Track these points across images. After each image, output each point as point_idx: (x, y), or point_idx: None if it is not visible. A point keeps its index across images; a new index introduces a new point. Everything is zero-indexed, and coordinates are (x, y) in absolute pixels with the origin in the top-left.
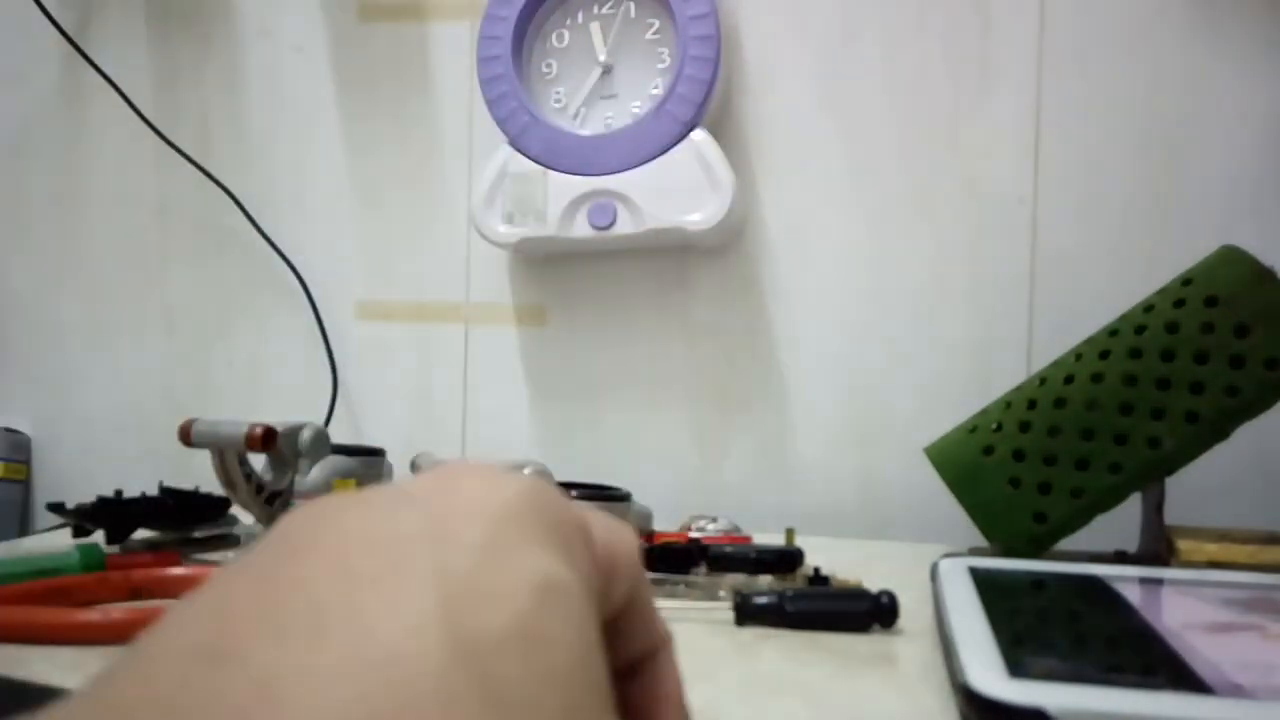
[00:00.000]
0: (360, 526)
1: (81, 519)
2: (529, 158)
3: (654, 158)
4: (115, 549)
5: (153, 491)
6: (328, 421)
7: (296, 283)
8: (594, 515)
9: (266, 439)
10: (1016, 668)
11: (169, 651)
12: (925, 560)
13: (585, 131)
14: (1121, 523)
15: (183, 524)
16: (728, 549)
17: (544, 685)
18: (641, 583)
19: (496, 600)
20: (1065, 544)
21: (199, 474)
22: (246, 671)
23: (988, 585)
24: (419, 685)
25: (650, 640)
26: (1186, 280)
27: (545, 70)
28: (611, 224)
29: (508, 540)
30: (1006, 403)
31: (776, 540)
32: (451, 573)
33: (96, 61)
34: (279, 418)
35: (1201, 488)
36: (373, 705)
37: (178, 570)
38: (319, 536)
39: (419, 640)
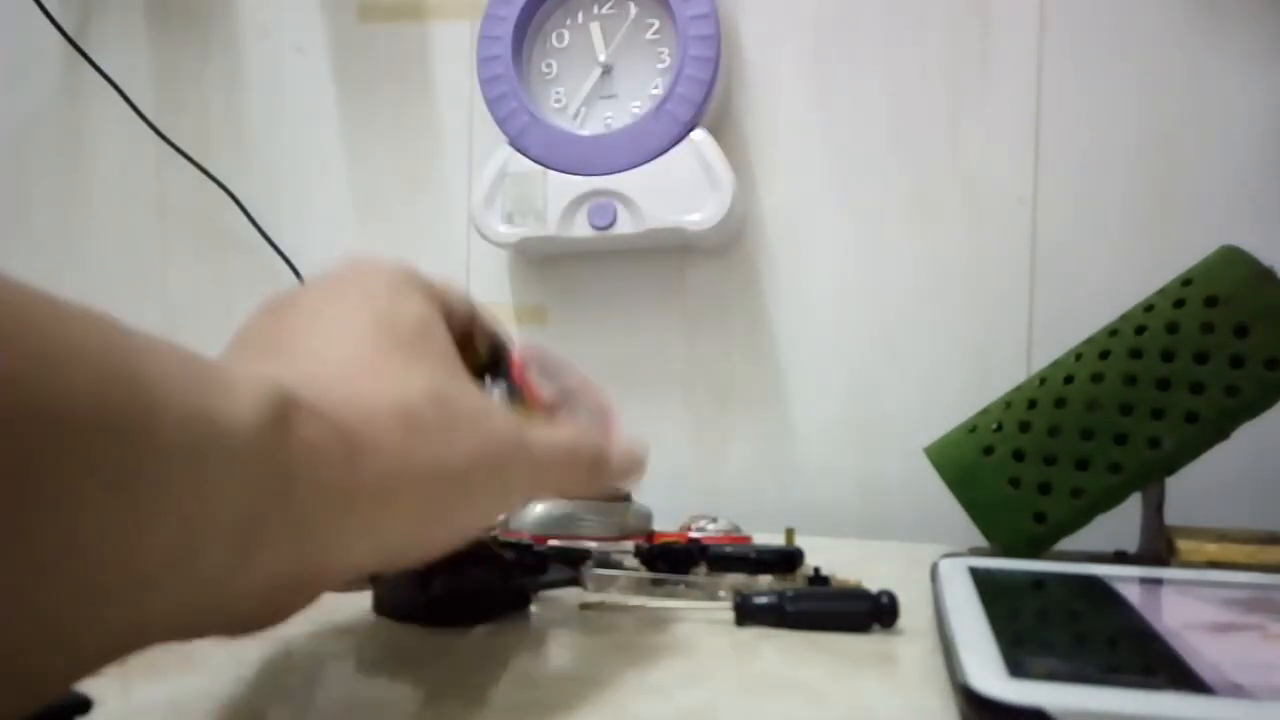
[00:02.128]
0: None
1: None
2: (529, 158)
3: (654, 158)
4: None
5: None
6: None
7: (297, 283)
8: (429, 277)
9: None
10: (1016, 668)
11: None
12: (925, 560)
13: (585, 131)
14: (1121, 523)
15: None
16: (728, 549)
17: (422, 333)
18: (472, 306)
19: (399, 319)
20: (1065, 544)
21: None
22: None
23: (988, 585)
24: (371, 339)
25: (494, 336)
26: (1186, 280)
27: (545, 70)
28: (611, 224)
29: (397, 292)
30: (1006, 403)
31: (776, 540)
32: (377, 311)
33: (96, 61)
34: None
35: (1201, 488)
36: (351, 342)
37: None
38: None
39: (362, 332)
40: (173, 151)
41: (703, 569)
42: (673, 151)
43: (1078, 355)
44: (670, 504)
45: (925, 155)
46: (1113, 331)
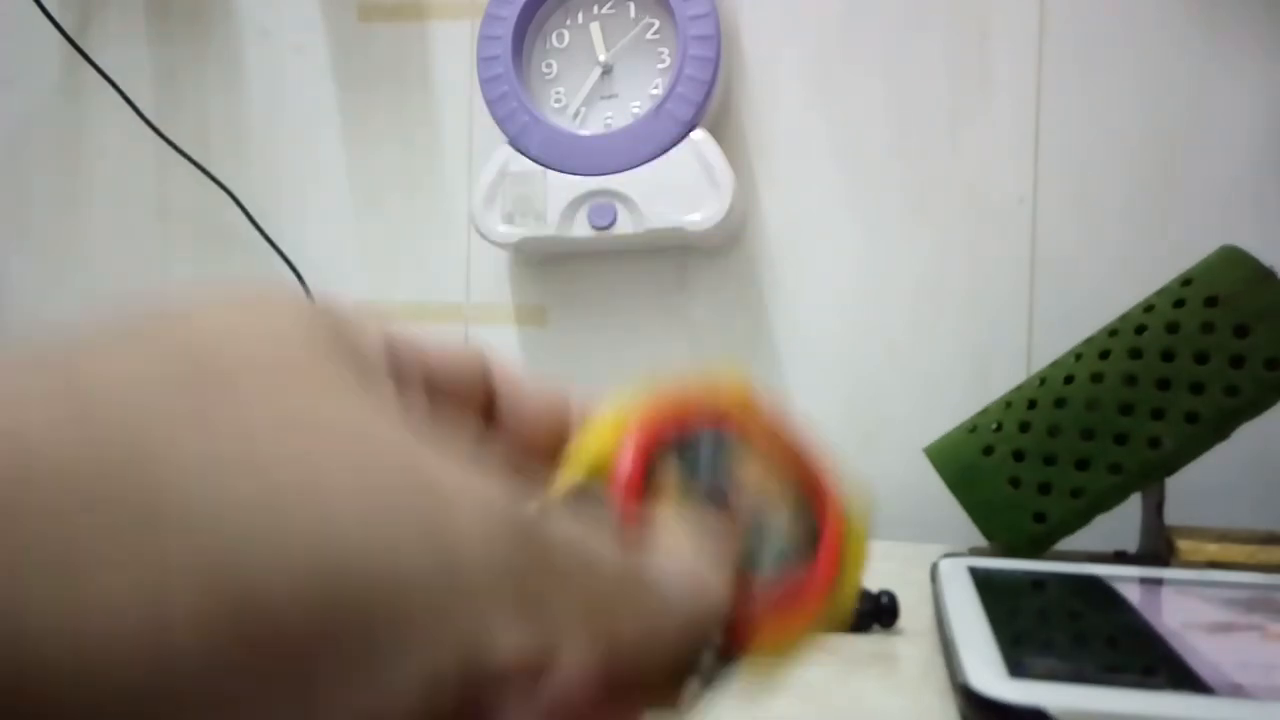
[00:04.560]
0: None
1: None
2: (529, 158)
3: (654, 158)
4: None
5: None
6: None
7: (297, 283)
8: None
9: None
10: (1016, 668)
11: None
12: (925, 560)
13: (585, 131)
14: (1121, 523)
15: None
16: None
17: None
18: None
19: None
20: (1065, 544)
21: None
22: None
23: (988, 585)
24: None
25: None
26: (1186, 280)
27: (545, 70)
28: (611, 224)
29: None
30: (1006, 403)
31: None
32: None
33: (96, 61)
34: None
35: (1201, 488)
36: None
37: None
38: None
39: None
40: (173, 151)
41: None
42: (673, 151)
43: (1078, 355)
44: None
45: (925, 155)
46: (1113, 331)
